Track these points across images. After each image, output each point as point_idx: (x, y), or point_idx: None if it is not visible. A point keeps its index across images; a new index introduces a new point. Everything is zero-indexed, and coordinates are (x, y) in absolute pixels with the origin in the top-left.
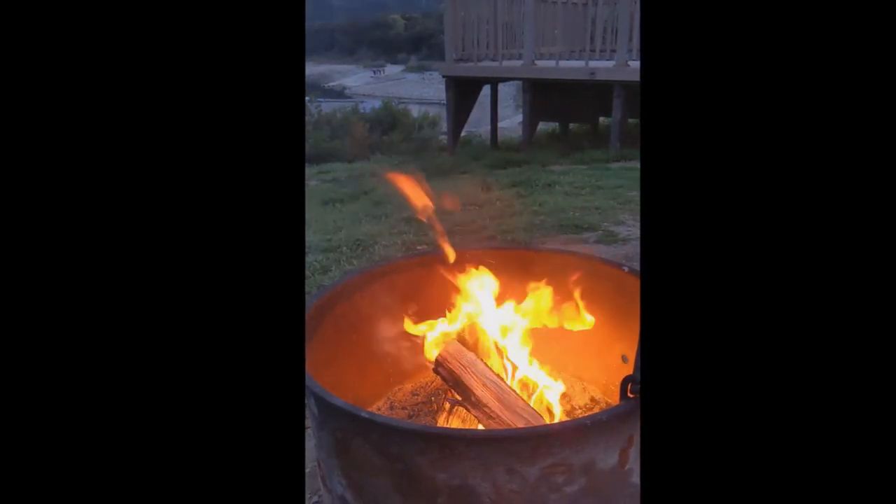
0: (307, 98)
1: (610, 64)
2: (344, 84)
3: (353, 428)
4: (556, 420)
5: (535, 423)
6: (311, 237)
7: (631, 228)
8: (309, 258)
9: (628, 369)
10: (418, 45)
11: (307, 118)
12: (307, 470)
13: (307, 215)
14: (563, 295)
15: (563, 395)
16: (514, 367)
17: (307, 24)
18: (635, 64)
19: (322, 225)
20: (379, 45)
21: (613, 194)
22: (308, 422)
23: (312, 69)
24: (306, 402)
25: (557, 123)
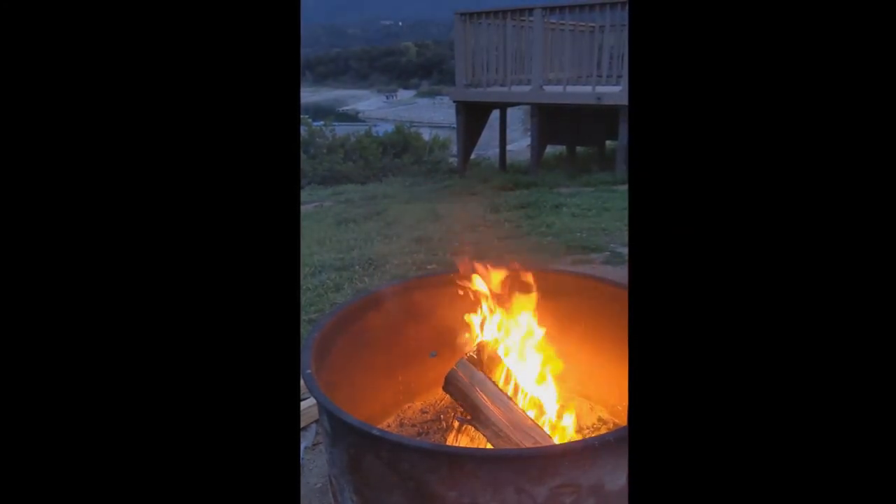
0: (322, 122)
1: (616, 89)
2: (358, 108)
3: (364, 445)
4: (565, 440)
5: (543, 442)
6: (325, 256)
7: None
8: (322, 276)
9: None
10: (430, 71)
11: (323, 142)
12: (318, 485)
13: (322, 235)
14: (568, 315)
15: (572, 415)
16: (523, 387)
17: (324, 52)
18: None
19: (336, 244)
20: (392, 70)
21: (620, 216)
22: (321, 438)
23: (327, 94)
24: (320, 418)
25: (565, 147)
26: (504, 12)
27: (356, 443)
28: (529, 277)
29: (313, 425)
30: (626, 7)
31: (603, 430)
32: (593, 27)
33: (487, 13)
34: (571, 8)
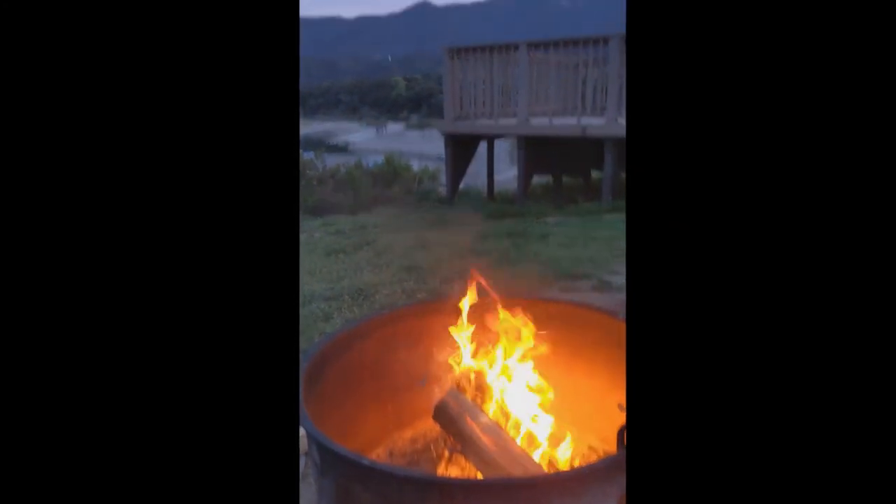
0: (312, 154)
1: (601, 121)
2: (348, 140)
3: (354, 475)
4: (555, 468)
5: (533, 471)
6: (315, 286)
7: (624, 278)
8: (312, 306)
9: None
10: (419, 105)
11: (313, 173)
12: None
13: (312, 265)
14: (560, 344)
15: (561, 444)
16: (513, 415)
17: (314, 85)
18: (624, 121)
19: (326, 274)
20: (382, 104)
21: (607, 245)
22: (310, 469)
23: (318, 127)
24: (309, 449)
25: (551, 177)
26: (490, 48)
27: (345, 473)
28: (519, 305)
29: (302, 456)
30: (609, 43)
31: (593, 459)
32: (577, 62)
33: (474, 49)
34: (556, 44)
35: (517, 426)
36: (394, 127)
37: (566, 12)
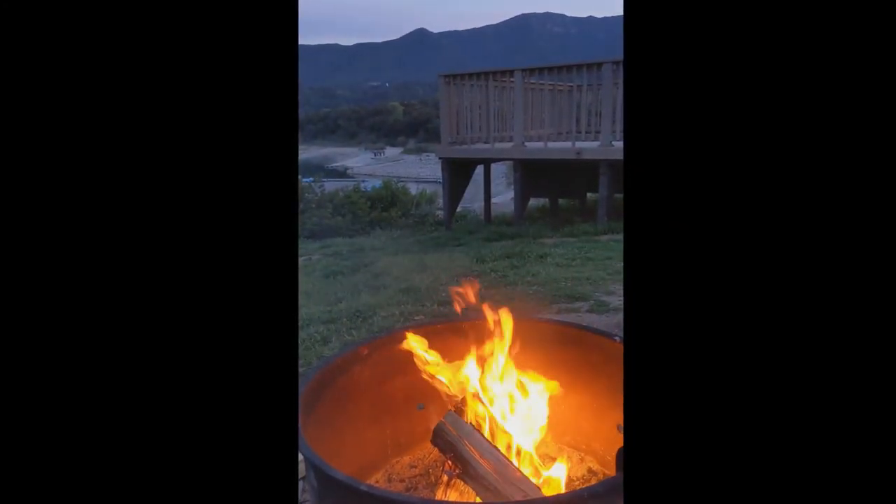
0: (311, 179)
1: (595, 144)
2: (346, 165)
3: (352, 501)
4: (553, 492)
5: (532, 495)
6: (313, 309)
7: (621, 298)
8: (310, 330)
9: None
10: (416, 130)
11: (312, 197)
12: None
13: (309, 287)
14: (555, 365)
15: (560, 467)
16: (512, 438)
17: (314, 111)
18: (619, 144)
19: (323, 297)
20: (379, 129)
21: (603, 265)
22: (307, 494)
23: (317, 152)
24: (306, 474)
25: (547, 199)
26: (486, 74)
27: (343, 499)
28: (516, 326)
29: (300, 481)
30: (602, 68)
31: (593, 482)
32: (571, 87)
33: (470, 75)
34: (550, 69)
35: (516, 449)
36: (391, 151)
37: (558, 38)
